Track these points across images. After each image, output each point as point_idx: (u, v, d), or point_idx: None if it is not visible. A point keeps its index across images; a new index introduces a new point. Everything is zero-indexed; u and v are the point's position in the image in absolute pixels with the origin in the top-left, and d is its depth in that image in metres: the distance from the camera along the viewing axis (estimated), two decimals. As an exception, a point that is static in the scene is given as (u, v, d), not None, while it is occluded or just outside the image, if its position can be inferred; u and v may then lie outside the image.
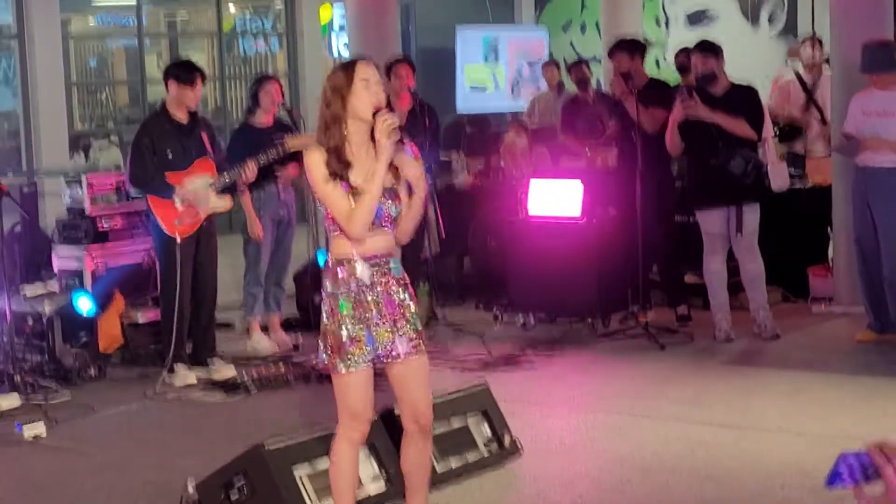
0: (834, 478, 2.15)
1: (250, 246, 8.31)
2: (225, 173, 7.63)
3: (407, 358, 4.23)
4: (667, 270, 8.73)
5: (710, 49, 7.97)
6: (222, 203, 7.67)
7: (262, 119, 8.30)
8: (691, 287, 9.05)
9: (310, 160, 4.17)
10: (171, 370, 7.49)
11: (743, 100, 7.93)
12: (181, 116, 7.57)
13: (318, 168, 4.15)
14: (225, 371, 7.60)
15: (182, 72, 7.58)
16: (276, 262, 8.44)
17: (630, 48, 8.75)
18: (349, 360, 4.14)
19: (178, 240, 7.42)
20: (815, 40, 11.02)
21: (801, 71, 10.77)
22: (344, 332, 4.14)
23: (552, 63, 13.72)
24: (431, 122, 8.48)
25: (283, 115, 8.47)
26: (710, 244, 8.00)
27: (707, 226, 7.98)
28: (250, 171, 7.68)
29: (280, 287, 8.50)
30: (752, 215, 7.89)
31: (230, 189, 7.75)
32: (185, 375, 7.51)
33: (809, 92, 10.47)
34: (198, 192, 7.49)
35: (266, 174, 8.06)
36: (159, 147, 7.49)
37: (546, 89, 13.77)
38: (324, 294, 4.24)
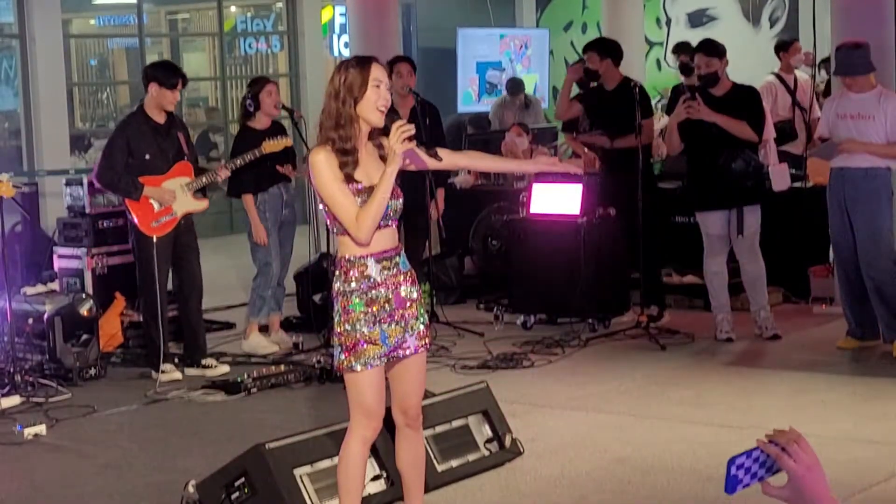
0: (733, 484, 2.12)
1: (260, 250, 8.27)
2: (201, 176, 7.64)
3: (415, 353, 4.24)
4: (648, 270, 8.66)
5: (713, 50, 7.96)
6: (198, 204, 7.68)
7: (263, 121, 8.28)
8: (691, 288, 9.06)
9: (318, 160, 4.07)
10: (159, 370, 7.54)
11: (744, 101, 7.93)
12: (159, 118, 7.57)
13: (328, 169, 4.07)
14: (219, 370, 7.61)
15: (164, 74, 7.56)
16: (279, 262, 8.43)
17: (600, 50, 8.78)
18: (365, 358, 4.12)
19: (154, 239, 7.44)
20: (798, 47, 11.10)
21: (780, 73, 10.82)
22: (359, 332, 4.11)
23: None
24: (432, 120, 8.47)
25: (283, 115, 8.45)
26: (711, 245, 7.99)
27: (707, 227, 7.98)
28: (222, 173, 7.73)
29: (281, 286, 8.49)
30: (752, 217, 7.88)
31: (204, 190, 7.78)
32: (171, 373, 7.55)
33: (793, 94, 10.50)
34: (164, 193, 7.49)
35: (269, 176, 8.07)
36: (136, 149, 7.50)
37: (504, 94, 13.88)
38: (334, 293, 4.19)
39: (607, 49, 8.82)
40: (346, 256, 4.15)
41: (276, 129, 8.27)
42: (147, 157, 7.50)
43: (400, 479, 4.55)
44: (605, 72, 8.70)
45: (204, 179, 7.66)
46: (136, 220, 7.49)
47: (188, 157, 7.66)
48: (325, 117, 4.13)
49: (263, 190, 8.16)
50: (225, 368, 7.66)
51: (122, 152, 7.51)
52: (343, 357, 4.15)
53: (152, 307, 7.53)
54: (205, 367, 7.66)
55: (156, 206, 7.50)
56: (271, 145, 7.79)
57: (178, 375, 7.54)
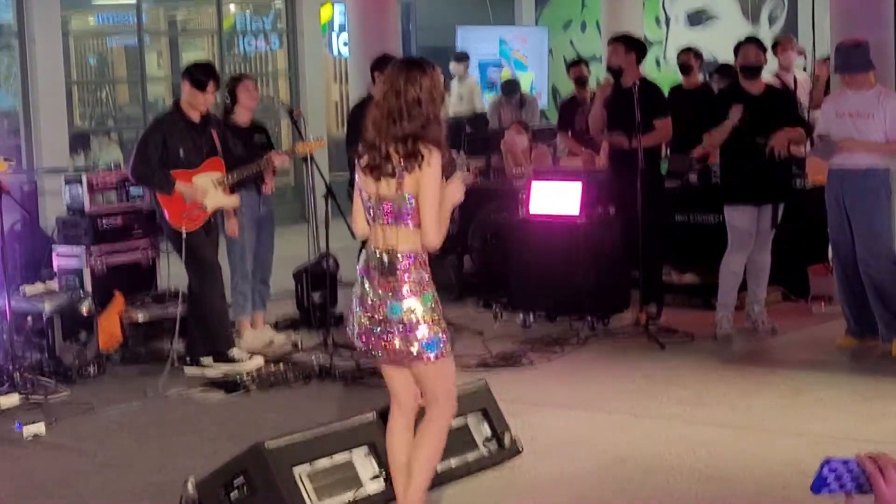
0: (820, 484, 2.12)
1: (236, 246, 8.25)
2: (233, 172, 7.66)
3: None
4: (648, 268, 8.62)
5: (762, 46, 8.16)
6: (230, 200, 7.71)
7: (243, 117, 8.29)
8: (691, 287, 9.05)
9: (438, 162, 4.23)
10: (231, 358, 7.58)
11: (783, 102, 8.12)
12: (194, 115, 7.58)
13: (439, 172, 4.25)
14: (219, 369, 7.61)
15: (196, 75, 7.57)
16: (259, 260, 8.42)
17: (628, 42, 8.71)
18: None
19: (184, 232, 7.44)
20: (791, 42, 11.11)
21: (779, 72, 10.84)
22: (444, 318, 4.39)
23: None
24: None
25: (283, 113, 8.48)
26: (739, 240, 7.98)
27: (739, 221, 7.96)
28: (255, 172, 7.77)
29: (266, 285, 8.48)
30: (780, 211, 8.05)
31: (238, 187, 7.79)
32: (251, 361, 7.63)
33: (793, 92, 10.52)
34: (196, 190, 7.50)
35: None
36: (171, 145, 7.51)
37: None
38: (423, 284, 4.29)
39: (634, 43, 8.76)
40: (419, 250, 4.31)
41: (255, 127, 8.40)
42: (181, 152, 7.52)
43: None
44: (628, 68, 8.60)
45: (235, 176, 7.68)
46: (166, 214, 7.51)
47: (220, 155, 7.67)
48: (434, 122, 4.25)
49: (241, 187, 8.15)
50: (227, 368, 7.63)
51: (156, 147, 7.51)
52: (446, 345, 4.33)
53: (207, 297, 7.57)
54: (204, 366, 7.64)
55: (186, 199, 7.52)
56: (305, 146, 7.83)
57: (259, 362, 7.64)
